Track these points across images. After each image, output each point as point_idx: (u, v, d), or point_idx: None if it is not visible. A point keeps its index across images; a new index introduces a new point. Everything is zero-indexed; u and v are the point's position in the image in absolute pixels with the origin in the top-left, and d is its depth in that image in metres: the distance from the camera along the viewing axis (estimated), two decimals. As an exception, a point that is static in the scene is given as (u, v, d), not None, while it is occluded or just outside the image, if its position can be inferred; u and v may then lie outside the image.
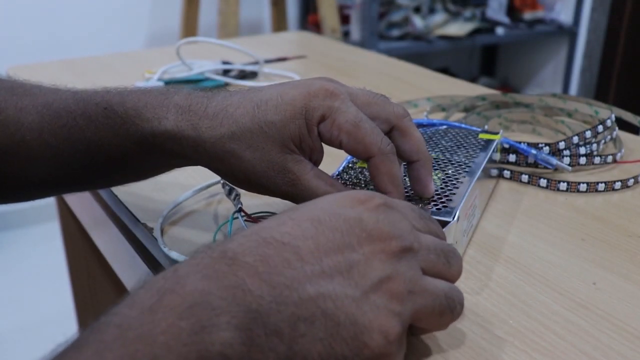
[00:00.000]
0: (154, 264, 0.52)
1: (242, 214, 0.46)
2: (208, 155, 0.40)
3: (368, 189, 0.45)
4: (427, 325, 0.33)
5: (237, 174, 0.41)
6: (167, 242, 0.47)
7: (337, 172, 0.48)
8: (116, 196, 0.55)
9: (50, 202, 0.90)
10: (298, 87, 0.41)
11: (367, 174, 0.47)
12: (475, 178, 0.46)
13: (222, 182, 0.53)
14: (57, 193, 0.48)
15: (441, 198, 0.43)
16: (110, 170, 0.46)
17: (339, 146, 0.41)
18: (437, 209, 0.42)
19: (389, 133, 0.42)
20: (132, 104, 0.42)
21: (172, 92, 0.43)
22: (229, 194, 0.51)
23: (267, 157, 0.40)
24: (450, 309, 0.33)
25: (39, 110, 0.44)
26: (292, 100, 0.40)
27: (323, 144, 0.42)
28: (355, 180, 0.46)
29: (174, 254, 0.45)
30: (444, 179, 0.46)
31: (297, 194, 0.40)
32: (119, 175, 0.47)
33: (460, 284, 0.42)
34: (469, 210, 0.45)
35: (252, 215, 0.46)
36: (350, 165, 0.49)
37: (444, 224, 0.40)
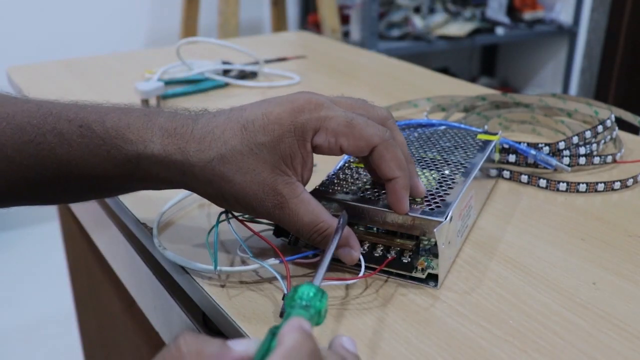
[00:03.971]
0: (153, 264, 0.52)
1: (229, 215, 0.45)
2: (196, 179, 0.40)
3: (365, 187, 0.45)
4: None
5: (226, 197, 0.40)
6: (165, 242, 0.47)
7: (333, 172, 0.48)
8: (116, 196, 0.55)
9: (50, 202, 0.90)
10: (281, 104, 0.40)
11: (362, 172, 0.47)
12: (471, 178, 0.46)
13: None
14: (14, 205, 0.45)
15: (435, 198, 0.43)
16: (82, 188, 0.43)
17: (340, 151, 0.40)
18: (430, 209, 0.42)
19: None
20: (112, 124, 0.40)
21: (154, 113, 0.42)
22: None
23: (258, 179, 0.39)
24: None
25: None
26: (278, 119, 0.39)
27: (315, 158, 0.42)
28: (351, 180, 0.46)
29: (168, 254, 0.45)
30: (439, 179, 0.46)
31: (284, 217, 0.40)
32: (92, 194, 0.46)
33: (459, 283, 0.42)
34: (464, 210, 0.45)
35: (240, 217, 0.46)
36: (346, 165, 0.49)
37: (437, 224, 0.40)
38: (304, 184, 0.41)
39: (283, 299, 0.39)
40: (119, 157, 0.40)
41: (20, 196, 0.44)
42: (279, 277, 0.40)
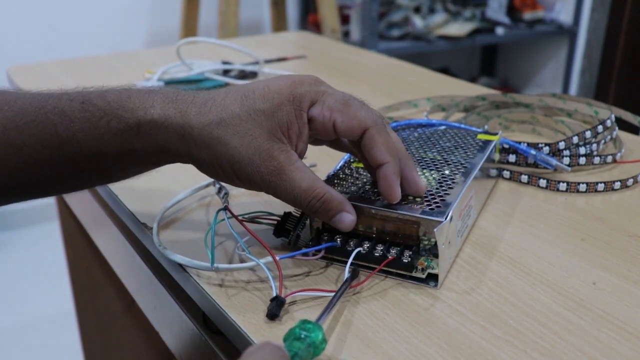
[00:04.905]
0: (153, 264, 0.52)
1: (227, 212, 0.45)
2: (194, 142, 0.40)
3: (365, 187, 0.45)
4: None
5: (222, 162, 0.41)
6: (164, 241, 0.47)
7: (332, 172, 0.48)
8: (116, 196, 0.55)
9: (50, 202, 0.90)
10: (283, 78, 0.42)
11: (362, 173, 0.47)
12: (471, 178, 0.46)
13: (214, 180, 0.53)
14: (18, 199, 0.45)
15: (435, 198, 0.43)
16: (83, 168, 0.43)
17: (333, 128, 0.41)
18: (430, 209, 0.42)
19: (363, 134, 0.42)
20: (114, 97, 0.42)
21: (156, 88, 0.43)
22: (218, 192, 0.51)
23: (255, 143, 0.40)
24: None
25: None
26: (278, 89, 0.41)
27: (309, 142, 0.43)
28: (351, 180, 0.46)
29: (168, 253, 0.45)
30: (439, 179, 0.46)
31: (280, 185, 0.40)
32: (91, 175, 0.45)
33: (459, 283, 0.42)
34: (464, 210, 0.45)
35: (240, 217, 0.45)
36: (346, 165, 0.49)
37: (437, 224, 0.40)
38: (299, 156, 0.42)
39: (271, 300, 0.38)
40: (119, 127, 0.41)
41: (21, 186, 0.43)
42: (270, 276, 0.40)
